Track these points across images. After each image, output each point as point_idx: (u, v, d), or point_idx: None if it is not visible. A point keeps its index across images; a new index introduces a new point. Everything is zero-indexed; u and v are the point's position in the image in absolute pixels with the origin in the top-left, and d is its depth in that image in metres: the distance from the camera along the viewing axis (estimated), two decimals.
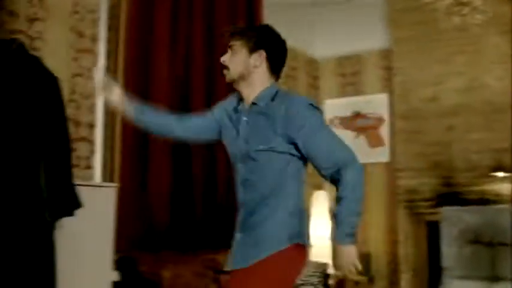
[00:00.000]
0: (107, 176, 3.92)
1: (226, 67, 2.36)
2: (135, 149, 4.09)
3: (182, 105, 4.48)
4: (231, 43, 2.35)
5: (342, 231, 2.20)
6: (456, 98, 5.90)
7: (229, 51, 2.36)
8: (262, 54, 2.35)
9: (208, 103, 4.63)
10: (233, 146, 2.41)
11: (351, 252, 2.20)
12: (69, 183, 2.28)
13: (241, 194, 2.36)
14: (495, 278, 5.30)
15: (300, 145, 2.25)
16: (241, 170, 2.35)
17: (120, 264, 3.32)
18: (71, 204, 2.24)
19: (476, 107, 5.83)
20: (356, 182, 2.21)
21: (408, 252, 5.90)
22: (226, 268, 2.39)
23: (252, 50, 2.34)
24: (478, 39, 5.83)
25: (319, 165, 2.26)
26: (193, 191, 4.47)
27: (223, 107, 2.52)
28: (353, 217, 2.21)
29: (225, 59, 2.36)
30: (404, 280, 5.86)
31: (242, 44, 2.34)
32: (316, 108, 2.33)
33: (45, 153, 2.17)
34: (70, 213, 2.26)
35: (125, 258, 3.51)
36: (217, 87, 4.73)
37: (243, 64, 2.34)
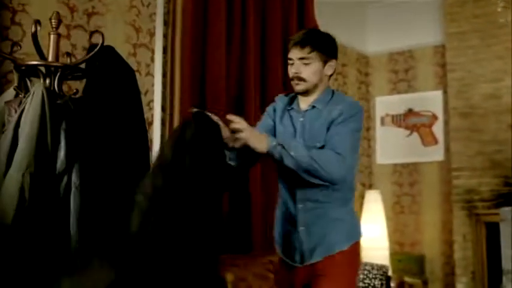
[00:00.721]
0: None
1: (301, 79, 2.39)
2: None
3: (237, 103, 4.43)
4: (304, 55, 2.37)
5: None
6: None
7: (300, 62, 2.38)
8: (333, 63, 2.45)
9: (262, 102, 4.60)
10: None
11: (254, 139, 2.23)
12: None
13: (299, 189, 2.39)
14: None
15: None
16: None
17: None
18: None
19: None
20: (327, 165, 2.21)
21: (466, 254, 5.70)
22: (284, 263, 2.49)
23: (325, 61, 2.42)
24: None
25: None
26: (250, 194, 4.40)
27: (271, 113, 2.62)
28: (298, 152, 2.23)
29: (298, 71, 2.39)
30: (461, 283, 5.66)
31: (316, 55, 2.38)
32: (359, 117, 2.42)
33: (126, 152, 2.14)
34: None
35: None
36: (269, 86, 4.68)
37: (319, 75, 2.41)
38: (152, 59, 3.88)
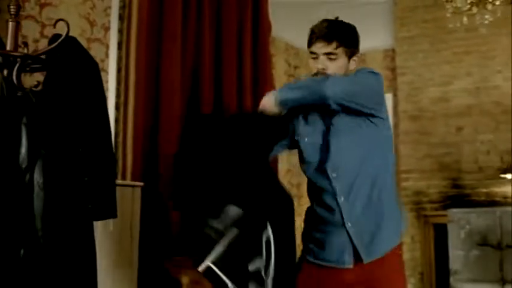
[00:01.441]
0: (119, 173, 3.73)
1: (325, 74, 2.21)
2: (147, 144, 3.92)
3: (192, 99, 4.35)
4: (330, 50, 2.22)
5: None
6: (465, 99, 5.87)
7: (325, 57, 2.22)
8: (357, 57, 2.31)
9: (217, 98, 4.55)
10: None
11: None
12: (112, 183, 2.12)
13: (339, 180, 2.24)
14: (503, 281, 5.24)
15: None
16: None
17: (140, 269, 3.15)
18: (110, 205, 2.07)
19: (485, 108, 5.79)
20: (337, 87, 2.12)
21: (414, 255, 5.80)
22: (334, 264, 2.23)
23: (350, 56, 2.27)
24: (487, 39, 5.80)
25: None
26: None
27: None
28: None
29: (324, 66, 2.22)
30: (410, 284, 5.75)
31: (342, 50, 2.23)
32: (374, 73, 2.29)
33: (90, 148, 2.02)
34: (113, 215, 2.09)
35: (147, 262, 3.34)
36: (224, 82, 4.63)
37: (344, 70, 2.25)
38: (107, 55, 3.75)
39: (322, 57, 2.22)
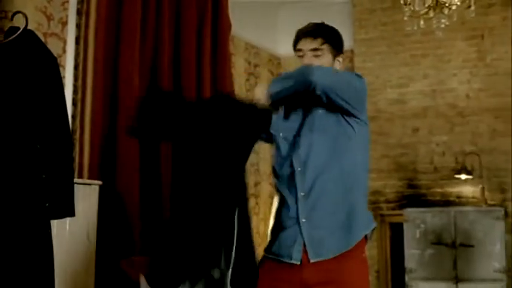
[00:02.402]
0: (76, 171, 3.64)
1: None
2: (105, 142, 3.85)
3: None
4: (316, 46, 2.25)
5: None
6: (421, 101, 5.98)
7: (311, 54, 2.26)
8: (341, 59, 2.35)
9: (176, 91, 4.50)
10: None
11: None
12: (70, 181, 2.06)
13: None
14: (457, 279, 5.36)
15: None
16: None
17: (98, 269, 3.07)
18: (68, 204, 2.01)
19: (441, 110, 5.92)
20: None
21: (371, 253, 5.87)
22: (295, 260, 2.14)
23: (335, 56, 2.31)
24: (443, 43, 5.93)
25: None
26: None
27: None
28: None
29: (310, 62, 2.23)
30: None
31: (328, 48, 2.27)
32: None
33: (48, 145, 1.95)
34: (71, 213, 2.03)
35: (104, 263, 3.27)
36: (183, 80, 4.59)
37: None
38: (64, 50, 3.65)
39: (309, 54, 2.24)
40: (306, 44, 2.26)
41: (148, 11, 4.29)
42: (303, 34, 2.30)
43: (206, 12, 4.94)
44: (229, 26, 5.18)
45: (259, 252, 5.52)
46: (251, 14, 6.20)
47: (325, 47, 2.25)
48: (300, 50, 2.29)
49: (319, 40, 2.25)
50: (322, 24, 2.38)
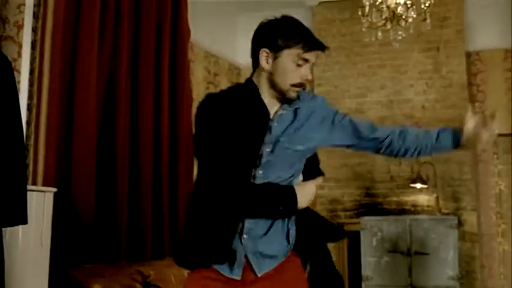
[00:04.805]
0: (29, 178, 3.56)
1: (304, 84, 2.01)
2: (60, 149, 3.78)
3: (107, 104, 4.25)
4: (314, 60, 2.00)
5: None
6: (378, 111, 6.07)
7: (309, 66, 1.98)
8: None
9: (133, 102, 4.47)
10: None
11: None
12: (22, 188, 2.00)
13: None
14: (412, 287, 5.44)
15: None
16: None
17: (50, 278, 3.00)
18: (20, 211, 1.95)
19: (397, 120, 6.01)
20: None
21: None
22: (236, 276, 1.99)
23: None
24: (400, 54, 6.05)
25: None
26: (116, 201, 4.22)
27: None
28: None
29: (307, 74, 1.99)
30: None
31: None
32: None
33: (0, 151, 1.89)
34: (23, 221, 1.97)
35: (57, 271, 3.19)
36: (140, 87, 4.56)
37: None
38: (19, 54, 3.57)
39: (309, 66, 1.98)
40: (313, 57, 1.98)
41: (107, 16, 4.25)
42: (317, 46, 1.99)
43: (165, 19, 4.92)
44: (189, 33, 5.17)
45: None
46: (211, 22, 6.20)
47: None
48: (306, 60, 1.96)
49: (316, 54, 2.02)
50: None
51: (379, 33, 4.92)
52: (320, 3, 6.47)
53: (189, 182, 4.99)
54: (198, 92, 5.88)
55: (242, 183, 1.94)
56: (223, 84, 6.50)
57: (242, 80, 6.70)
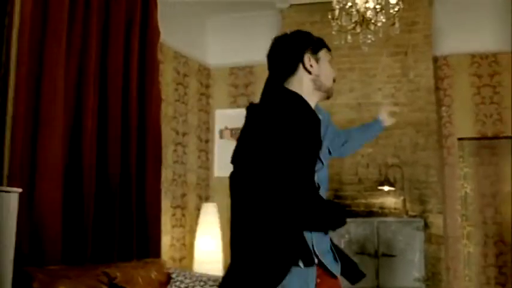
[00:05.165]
0: None
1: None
2: (26, 149, 3.71)
3: (75, 103, 4.20)
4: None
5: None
6: (347, 114, 6.11)
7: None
8: None
9: (101, 102, 4.42)
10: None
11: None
12: None
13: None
14: None
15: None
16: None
17: (14, 280, 2.94)
18: None
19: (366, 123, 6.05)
20: None
21: None
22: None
23: None
24: (369, 58, 6.11)
25: None
26: (83, 201, 4.16)
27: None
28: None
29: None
30: None
31: None
32: None
33: None
34: None
35: (20, 273, 3.13)
36: (109, 88, 4.52)
37: None
38: None
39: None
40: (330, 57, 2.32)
41: (76, 14, 4.20)
42: (327, 47, 2.32)
43: (135, 18, 4.88)
44: (158, 33, 5.13)
45: (185, 264, 5.43)
46: (180, 22, 6.18)
47: None
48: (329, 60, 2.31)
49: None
50: None
51: (349, 37, 4.95)
52: (290, 5, 6.50)
53: (157, 183, 4.96)
54: (167, 92, 5.85)
55: (314, 192, 2.00)
56: (193, 85, 6.48)
57: (212, 82, 6.70)
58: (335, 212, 2.05)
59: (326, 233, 2.13)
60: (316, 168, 2.05)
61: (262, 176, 1.88)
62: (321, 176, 2.12)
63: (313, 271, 2.00)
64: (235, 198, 2.00)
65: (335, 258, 2.17)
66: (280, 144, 1.88)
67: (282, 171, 1.87)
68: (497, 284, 6.25)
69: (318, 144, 2.05)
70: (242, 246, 1.96)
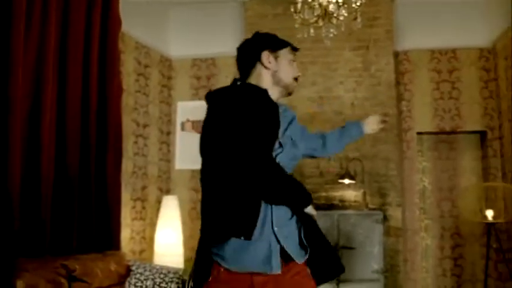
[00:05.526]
0: None
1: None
2: None
3: (34, 94, 4.09)
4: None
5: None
6: (309, 107, 6.12)
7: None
8: None
9: (61, 90, 4.32)
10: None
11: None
12: None
13: None
14: (338, 280, 5.53)
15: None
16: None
17: None
18: None
19: (327, 116, 6.10)
20: None
21: None
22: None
23: None
24: (331, 52, 6.14)
25: None
26: (41, 192, 4.07)
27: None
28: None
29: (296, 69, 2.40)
30: None
31: None
32: None
33: None
34: None
35: None
36: (69, 74, 4.42)
37: None
38: None
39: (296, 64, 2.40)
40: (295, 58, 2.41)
41: (34, 2, 4.08)
42: (296, 48, 2.43)
43: (95, 7, 4.79)
44: (119, 22, 5.05)
45: (144, 256, 5.37)
46: (142, 12, 6.09)
47: None
48: (293, 60, 2.40)
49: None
50: None
51: (312, 30, 4.96)
52: None
53: (117, 175, 4.89)
54: (128, 83, 5.77)
55: (274, 164, 2.05)
56: (154, 76, 6.40)
57: (174, 74, 6.63)
58: (295, 187, 2.10)
59: (290, 217, 2.15)
60: (275, 148, 2.14)
61: (227, 157, 2.02)
62: (281, 159, 2.16)
63: (260, 246, 2.05)
64: (206, 184, 2.15)
65: (301, 244, 2.17)
66: (240, 124, 2.01)
67: (244, 146, 1.99)
68: (453, 276, 6.39)
69: (275, 124, 2.13)
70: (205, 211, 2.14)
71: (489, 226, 5.78)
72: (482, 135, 6.44)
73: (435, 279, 6.41)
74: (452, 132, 6.43)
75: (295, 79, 2.38)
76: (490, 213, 5.77)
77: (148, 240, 6.01)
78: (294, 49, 2.39)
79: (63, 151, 4.33)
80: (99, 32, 4.79)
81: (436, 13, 6.40)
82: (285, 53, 2.35)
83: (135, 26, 5.79)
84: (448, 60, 6.46)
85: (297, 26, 5.06)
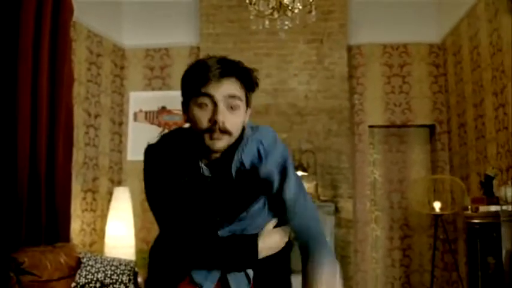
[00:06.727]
0: None
1: (226, 131, 1.60)
2: None
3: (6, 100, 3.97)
4: (234, 92, 1.64)
5: None
6: (263, 99, 6.14)
7: (225, 104, 1.62)
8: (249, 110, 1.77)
9: (10, 76, 4.20)
10: None
11: None
12: None
13: None
14: (291, 271, 5.58)
15: None
16: None
17: None
18: None
19: (281, 108, 6.13)
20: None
21: None
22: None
23: (248, 104, 1.74)
24: (286, 44, 6.17)
25: None
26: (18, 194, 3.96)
27: None
28: None
29: (225, 119, 1.59)
30: None
31: (243, 95, 1.70)
32: None
33: None
34: None
35: None
36: (20, 61, 4.29)
37: (242, 125, 1.70)
38: None
39: (221, 105, 1.60)
40: (220, 89, 1.61)
41: None
42: (214, 74, 1.61)
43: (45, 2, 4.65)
44: (72, 10, 4.93)
45: (95, 248, 5.30)
46: (95, 0, 5.96)
47: (242, 94, 1.67)
48: (207, 95, 1.62)
49: (238, 83, 1.65)
50: (231, 60, 1.74)
51: (267, 22, 4.96)
52: None
53: (68, 165, 4.78)
54: (80, 72, 5.65)
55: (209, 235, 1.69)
56: (107, 65, 6.29)
57: (127, 64, 6.55)
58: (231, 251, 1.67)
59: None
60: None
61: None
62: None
63: None
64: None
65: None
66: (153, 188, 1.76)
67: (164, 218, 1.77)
68: (401, 266, 6.54)
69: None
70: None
71: (436, 217, 5.93)
72: (431, 129, 6.60)
73: (384, 270, 6.54)
74: (403, 125, 6.57)
75: (215, 123, 1.61)
76: (437, 205, 5.92)
77: (99, 232, 5.92)
78: (199, 84, 1.65)
79: (12, 140, 4.20)
80: (50, 19, 4.65)
81: (389, 8, 6.51)
82: (204, 90, 1.64)
83: (87, 14, 5.67)
84: (399, 55, 6.58)
85: (251, 17, 5.04)
